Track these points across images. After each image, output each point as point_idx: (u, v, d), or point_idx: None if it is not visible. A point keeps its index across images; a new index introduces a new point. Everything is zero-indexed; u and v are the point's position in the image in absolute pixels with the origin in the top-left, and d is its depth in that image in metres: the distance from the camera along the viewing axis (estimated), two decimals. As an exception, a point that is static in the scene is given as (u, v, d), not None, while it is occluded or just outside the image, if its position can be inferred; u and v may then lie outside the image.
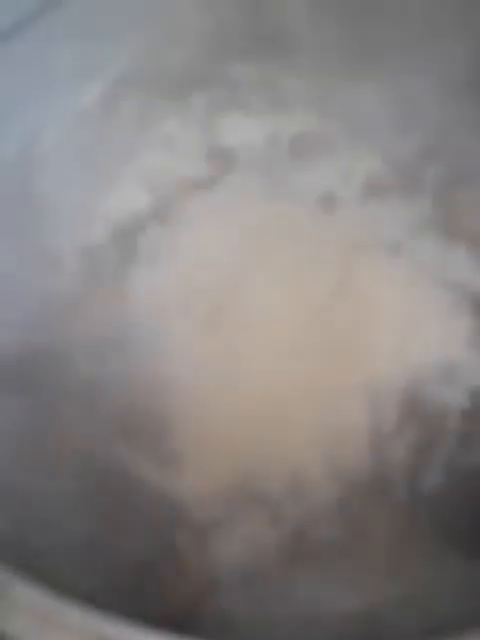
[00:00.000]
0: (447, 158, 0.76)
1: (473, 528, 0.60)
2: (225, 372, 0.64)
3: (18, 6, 0.72)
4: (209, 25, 0.76)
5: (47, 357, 0.72)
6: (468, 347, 0.66)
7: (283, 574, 0.59)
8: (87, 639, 0.42)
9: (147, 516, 0.60)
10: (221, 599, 0.60)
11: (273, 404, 0.62)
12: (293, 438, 0.62)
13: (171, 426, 0.63)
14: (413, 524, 0.61)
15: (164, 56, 0.77)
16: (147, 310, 0.70)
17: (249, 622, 0.59)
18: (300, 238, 0.70)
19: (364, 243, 0.70)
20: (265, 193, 0.75)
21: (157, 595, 0.57)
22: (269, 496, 0.61)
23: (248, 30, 0.76)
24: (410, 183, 0.75)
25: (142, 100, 0.80)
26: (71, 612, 0.44)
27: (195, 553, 0.59)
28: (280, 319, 0.66)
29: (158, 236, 0.75)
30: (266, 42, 0.78)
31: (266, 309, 0.67)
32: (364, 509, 0.61)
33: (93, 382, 0.67)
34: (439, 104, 0.78)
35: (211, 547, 0.60)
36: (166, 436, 0.63)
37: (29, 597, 0.46)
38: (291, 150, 0.81)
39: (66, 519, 0.64)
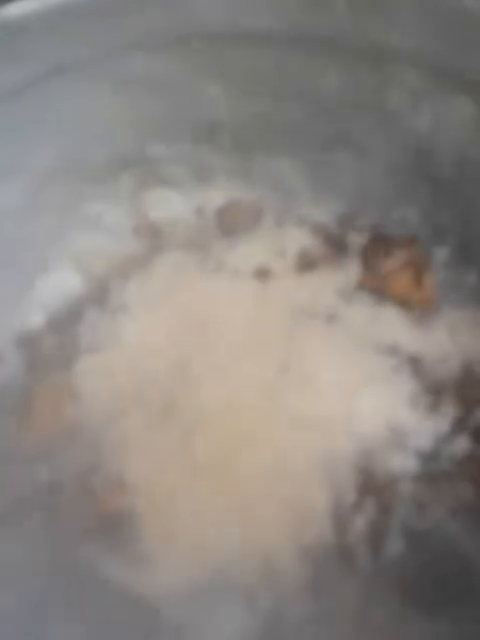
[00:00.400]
0: (368, 224, 0.80)
1: (434, 587, 0.64)
2: (185, 466, 0.64)
3: None
4: (127, 113, 0.77)
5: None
6: (412, 410, 0.70)
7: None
8: None
9: (121, 621, 0.60)
10: None
11: (235, 493, 0.63)
12: (260, 525, 0.63)
13: (136, 525, 0.63)
14: (378, 589, 0.63)
15: (86, 146, 0.77)
16: (97, 404, 0.69)
17: None
18: (241, 317, 0.72)
19: (302, 315, 0.73)
20: (200, 270, 0.76)
21: None
22: (242, 585, 0.62)
23: (166, 115, 0.78)
24: (337, 251, 0.78)
25: (67, 188, 0.80)
26: None
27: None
28: (232, 404, 0.67)
29: (98, 322, 0.75)
30: (185, 125, 0.80)
31: (217, 395, 0.68)
32: (333, 582, 0.63)
33: (49, 483, 0.66)
34: (354, 174, 0.81)
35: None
36: (132, 535, 0.63)
37: None
38: (220, 223, 0.82)
39: (34, 631, 0.63)
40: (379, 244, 0.78)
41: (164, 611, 0.61)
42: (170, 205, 0.86)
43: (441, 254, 0.76)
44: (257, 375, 0.68)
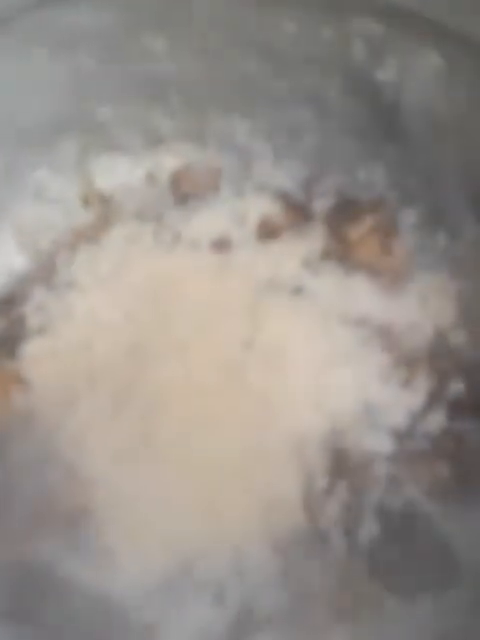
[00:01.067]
0: (333, 187, 0.76)
1: (407, 569, 0.62)
2: (145, 454, 0.61)
3: None
4: (67, 74, 0.71)
5: None
6: (383, 384, 0.67)
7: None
8: None
9: (86, 623, 0.57)
10: None
11: (201, 483, 0.60)
12: (227, 514, 0.60)
13: (96, 520, 0.59)
14: (354, 575, 0.61)
15: (25, 108, 0.71)
16: (48, 390, 0.65)
17: None
18: (201, 291, 0.68)
19: (266, 288, 0.69)
20: (155, 242, 0.72)
21: None
22: (211, 580, 0.59)
23: (110, 75, 0.72)
24: (301, 218, 0.74)
25: (5, 156, 0.74)
26: None
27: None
28: (194, 385, 0.63)
29: (45, 301, 0.70)
30: (130, 84, 0.74)
31: (178, 376, 0.64)
32: (306, 570, 0.60)
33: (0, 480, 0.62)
34: (316, 133, 0.77)
35: (160, 645, 0.58)
36: (93, 531, 0.59)
37: None
38: (174, 191, 0.78)
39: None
40: (345, 209, 0.74)
41: (131, 610, 0.58)
42: (118, 171, 0.81)
43: (410, 217, 0.73)
44: (220, 353, 0.64)
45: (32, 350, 0.68)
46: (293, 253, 0.72)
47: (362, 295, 0.72)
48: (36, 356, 0.67)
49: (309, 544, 0.62)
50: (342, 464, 0.63)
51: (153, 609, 0.59)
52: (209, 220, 0.73)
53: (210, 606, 0.60)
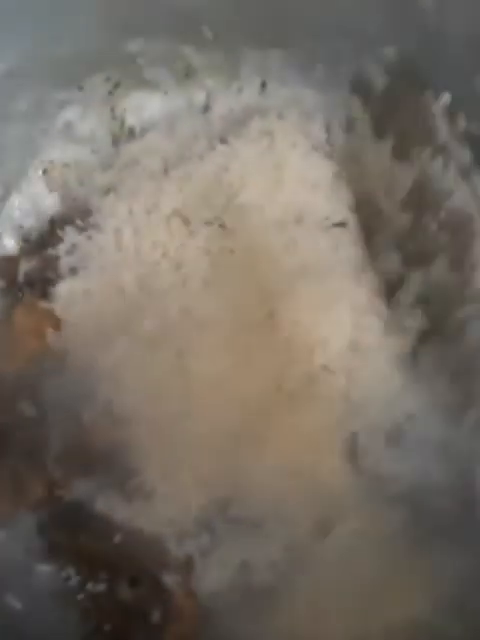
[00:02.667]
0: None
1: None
2: (181, 392, 0.61)
3: None
4: (98, 8, 0.70)
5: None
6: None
7: (276, 593, 0.59)
8: None
9: (125, 558, 0.58)
10: (214, 629, 0.59)
11: (238, 419, 0.60)
12: (265, 451, 0.60)
13: (133, 458, 0.60)
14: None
15: (55, 45, 0.70)
16: (82, 331, 0.65)
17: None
18: (244, 227, 0.67)
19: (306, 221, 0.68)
20: (190, 180, 0.70)
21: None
22: (249, 516, 0.59)
23: (141, 9, 0.71)
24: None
25: (35, 94, 0.74)
26: None
27: (183, 591, 0.57)
28: (227, 322, 0.63)
29: (77, 243, 0.70)
30: (162, 18, 0.73)
31: (211, 313, 0.63)
32: (350, 512, 0.60)
33: (36, 418, 0.63)
34: (353, 63, 0.75)
35: (199, 580, 0.58)
36: (129, 469, 0.60)
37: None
38: (209, 129, 0.77)
39: (33, 573, 0.61)
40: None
41: (168, 544, 0.59)
42: (149, 108, 0.79)
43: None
44: (261, 288, 0.63)
45: (65, 291, 0.68)
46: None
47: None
48: (69, 297, 0.68)
49: (352, 487, 0.61)
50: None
51: (190, 544, 0.59)
52: (243, 156, 0.71)
53: (248, 543, 0.59)
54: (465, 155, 0.66)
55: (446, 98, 0.66)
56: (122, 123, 0.80)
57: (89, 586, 0.60)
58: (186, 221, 0.68)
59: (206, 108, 0.80)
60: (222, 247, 0.67)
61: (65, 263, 0.70)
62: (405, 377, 0.64)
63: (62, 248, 0.71)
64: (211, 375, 0.62)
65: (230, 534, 0.61)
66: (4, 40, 0.69)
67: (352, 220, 0.70)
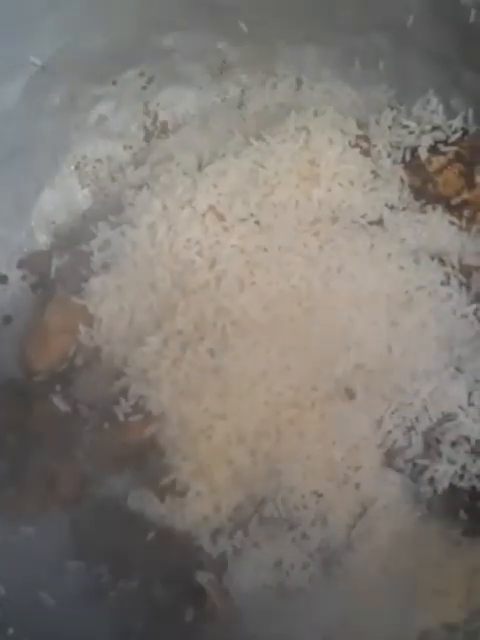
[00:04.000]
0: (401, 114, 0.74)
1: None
2: (213, 389, 0.61)
3: None
4: (133, 2, 0.70)
5: (7, 394, 0.68)
6: (459, 321, 0.66)
7: (309, 594, 0.59)
8: None
9: (160, 557, 0.58)
10: (246, 629, 0.59)
11: (274, 420, 0.61)
12: (302, 454, 0.60)
13: (166, 455, 0.61)
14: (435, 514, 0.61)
15: (89, 39, 0.71)
16: (115, 327, 0.65)
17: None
18: (281, 222, 0.67)
19: (347, 221, 0.68)
20: (226, 175, 0.71)
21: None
22: (286, 518, 0.59)
23: (175, 3, 0.71)
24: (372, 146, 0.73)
25: (69, 88, 0.75)
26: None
27: (217, 590, 0.57)
28: (262, 319, 0.64)
29: (109, 238, 0.70)
30: (197, 13, 0.73)
31: (245, 311, 0.64)
32: (389, 512, 0.60)
33: (66, 416, 0.64)
34: (390, 58, 0.75)
35: (232, 579, 0.59)
36: (162, 467, 0.60)
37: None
38: (243, 122, 0.77)
39: (65, 570, 0.62)
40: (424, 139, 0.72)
41: (202, 543, 0.59)
42: (182, 103, 0.80)
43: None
44: (296, 286, 0.64)
45: (98, 287, 0.68)
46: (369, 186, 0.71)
47: (441, 230, 0.71)
48: (102, 293, 0.68)
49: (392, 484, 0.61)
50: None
51: (223, 543, 0.59)
52: (284, 153, 0.71)
53: (282, 543, 0.60)
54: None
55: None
56: (155, 118, 0.81)
57: (121, 584, 0.60)
58: (221, 218, 0.69)
59: (241, 104, 0.80)
60: (257, 245, 0.67)
61: (98, 259, 0.71)
62: (442, 377, 0.64)
63: (95, 244, 0.71)
64: (246, 374, 0.62)
65: (264, 534, 0.61)
66: (38, 35, 0.70)
67: (389, 218, 0.69)
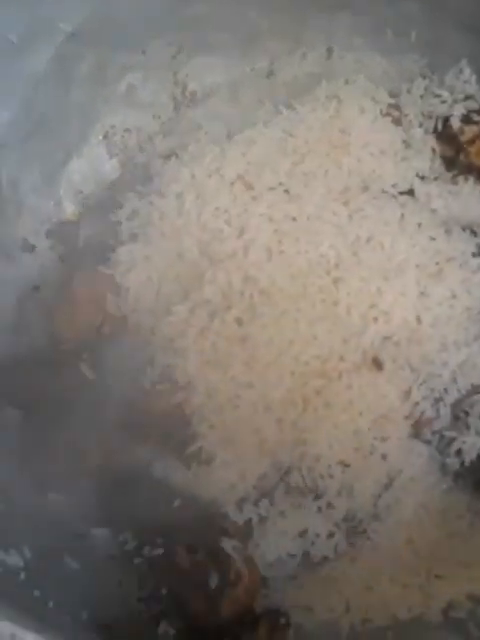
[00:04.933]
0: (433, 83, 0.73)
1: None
2: (241, 359, 0.61)
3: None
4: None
5: (35, 363, 0.68)
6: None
7: (338, 562, 0.59)
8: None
9: (185, 524, 0.58)
10: (269, 597, 0.59)
11: (301, 390, 0.60)
12: (328, 424, 0.60)
13: (192, 424, 0.61)
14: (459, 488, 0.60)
15: (118, 7, 0.70)
16: (142, 297, 0.65)
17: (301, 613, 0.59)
18: (310, 193, 0.66)
19: (377, 191, 0.67)
20: (254, 144, 0.70)
21: (208, 608, 0.55)
22: (312, 487, 0.59)
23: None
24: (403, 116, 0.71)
25: (98, 56, 0.74)
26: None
27: (242, 556, 0.57)
28: (289, 289, 0.63)
29: (137, 208, 0.70)
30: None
31: (273, 281, 0.63)
32: (412, 481, 0.60)
33: (94, 384, 0.64)
34: (422, 27, 0.74)
35: (257, 547, 0.59)
36: (189, 435, 0.60)
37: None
38: (272, 92, 0.76)
39: (90, 535, 0.62)
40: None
41: (228, 511, 0.59)
42: (211, 73, 0.79)
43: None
44: (324, 255, 0.63)
45: (126, 256, 0.68)
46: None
47: (472, 201, 0.70)
48: (130, 262, 0.68)
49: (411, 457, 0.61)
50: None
51: (249, 511, 0.59)
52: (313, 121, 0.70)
53: (307, 512, 0.60)
54: None
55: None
56: (184, 88, 0.80)
57: (146, 551, 0.61)
58: (249, 186, 0.68)
59: (270, 73, 0.79)
60: (286, 214, 0.66)
61: (125, 229, 0.71)
62: (472, 349, 0.63)
63: (122, 213, 0.71)
64: (273, 343, 0.62)
65: (290, 502, 0.61)
66: (67, 3, 0.69)
67: (420, 188, 0.68)
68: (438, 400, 0.63)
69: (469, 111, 0.72)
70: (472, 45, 0.75)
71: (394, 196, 0.68)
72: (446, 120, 0.72)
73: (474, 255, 0.68)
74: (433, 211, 0.69)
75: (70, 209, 0.77)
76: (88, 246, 0.73)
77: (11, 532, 0.57)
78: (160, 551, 0.61)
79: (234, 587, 0.58)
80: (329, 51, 0.79)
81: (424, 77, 0.75)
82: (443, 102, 0.73)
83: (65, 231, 0.75)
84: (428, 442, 0.62)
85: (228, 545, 0.59)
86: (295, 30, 0.80)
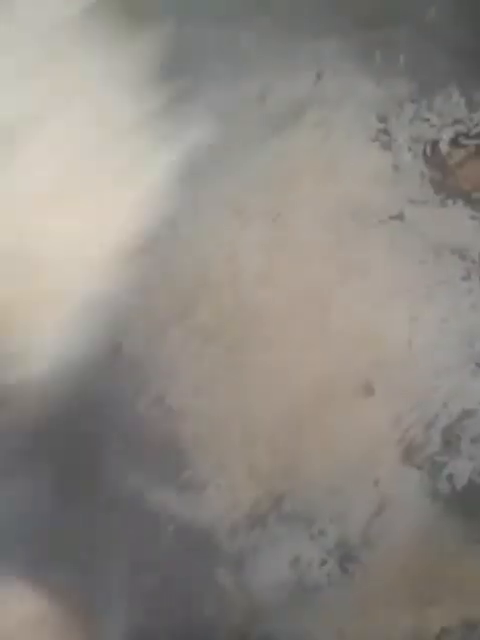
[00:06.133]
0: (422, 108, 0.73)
1: None
2: (234, 386, 0.61)
3: None
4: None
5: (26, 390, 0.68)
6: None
7: (331, 590, 0.58)
8: None
9: (178, 554, 0.58)
10: (268, 625, 0.59)
11: (292, 416, 0.60)
12: (320, 450, 0.60)
13: (185, 451, 0.60)
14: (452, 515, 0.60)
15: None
16: (134, 323, 0.65)
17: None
18: (297, 217, 0.66)
19: (365, 215, 0.67)
20: (239, 169, 0.70)
21: (202, 636, 0.55)
22: (303, 512, 0.59)
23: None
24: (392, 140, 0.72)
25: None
26: None
27: (236, 585, 0.57)
28: (285, 314, 0.63)
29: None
30: (215, 3, 0.72)
31: (270, 305, 0.63)
32: (404, 508, 0.60)
33: (85, 411, 0.63)
34: (410, 51, 0.74)
35: (251, 575, 0.59)
36: (182, 462, 0.60)
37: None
38: (262, 116, 0.76)
39: (88, 559, 0.62)
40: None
41: (220, 539, 0.59)
42: (203, 97, 0.79)
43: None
44: (315, 281, 0.63)
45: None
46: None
47: (461, 225, 0.70)
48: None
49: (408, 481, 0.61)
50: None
51: (242, 540, 0.59)
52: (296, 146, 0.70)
53: (302, 538, 0.59)
54: None
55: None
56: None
57: (139, 581, 0.60)
58: (239, 212, 0.68)
59: (260, 97, 0.79)
60: (276, 239, 0.66)
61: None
62: (462, 373, 0.63)
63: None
64: (264, 369, 0.62)
65: (282, 530, 0.61)
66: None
67: (409, 212, 0.68)
68: (429, 425, 0.62)
69: (457, 135, 0.72)
70: (460, 69, 0.75)
71: (383, 221, 0.68)
72: (435, 144, 0.72)
73: (463, 279, 0.67)
74: (422, 235, 0.69)
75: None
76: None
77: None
78: (153, 581, 0.60)
79: (228, 617, 0.57)
80: (318, 76, 0.79)
81: (413, 101, 0.75)
82: (432, 126, 0.73)
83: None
84: (419, 467, 0.62)
85: (221, 575, 0.58)
86: (285, 54, 0.80)
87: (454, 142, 0.71)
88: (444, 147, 0.71)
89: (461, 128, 0.73)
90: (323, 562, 0.60)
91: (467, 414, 0.62)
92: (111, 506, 0.64)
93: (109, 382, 0.66)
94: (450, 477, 0.61)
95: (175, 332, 0.64)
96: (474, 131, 0.71)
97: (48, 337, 0.67)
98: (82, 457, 0.63)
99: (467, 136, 0.71)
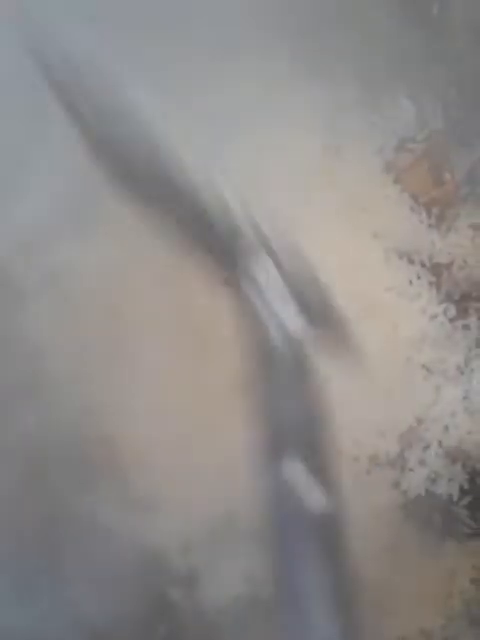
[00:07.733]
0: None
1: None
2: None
3: None
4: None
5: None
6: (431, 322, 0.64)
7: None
8: None
9: (131, 572, 0.57)
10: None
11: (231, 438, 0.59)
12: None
13: (139, 469, 0.59)
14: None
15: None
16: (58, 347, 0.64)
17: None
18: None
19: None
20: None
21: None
22: (252, 528, 0.58)
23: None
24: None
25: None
26: None
27: (191, 604, 0.56)
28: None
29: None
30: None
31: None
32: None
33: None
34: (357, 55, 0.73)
35: (204, 594, 0.57)
36: (135, 480, 0.59)
37: None
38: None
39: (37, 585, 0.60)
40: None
41: (174, 557, 0.58)
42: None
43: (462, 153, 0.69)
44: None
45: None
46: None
47: (409, 229, 0.69)
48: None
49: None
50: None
51: (196, 557, 0.58)
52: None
53: (253, 555, 0.58)
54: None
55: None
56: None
57: (92, 601, 0.59)
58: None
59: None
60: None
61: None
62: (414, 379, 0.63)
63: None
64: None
65: (236, 546, 0.59)
66: None
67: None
68: (382, 433, 0.62)
69: (404, 139, 0.71)
70: (407, 73, 0.74)
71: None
72: (381, 149, 0.71)
73: (411, 283, 0.67)
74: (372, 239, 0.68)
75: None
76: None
77: None
78: (106, 602, 0.59)
79: (182, 637, 0.56)
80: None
81: (360, 105, 0.74)
82: (379, 130, 0.72)
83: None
84: (376, 478, 0.61)
85: (175, 594, 0.57)
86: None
87: (400, 146, 0.71)
88: (391, 152, 0.71)
89: (407, 132, 0.72)
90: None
91: (418, 420, 0.61)
92: (62, 526, 0.62)
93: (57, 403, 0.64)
94: (406, 487, 0.61)
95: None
96: (420, 135, 0.70)
97: None
98: (29, 481, 0.62)
99: (413, 140, 0.70)
